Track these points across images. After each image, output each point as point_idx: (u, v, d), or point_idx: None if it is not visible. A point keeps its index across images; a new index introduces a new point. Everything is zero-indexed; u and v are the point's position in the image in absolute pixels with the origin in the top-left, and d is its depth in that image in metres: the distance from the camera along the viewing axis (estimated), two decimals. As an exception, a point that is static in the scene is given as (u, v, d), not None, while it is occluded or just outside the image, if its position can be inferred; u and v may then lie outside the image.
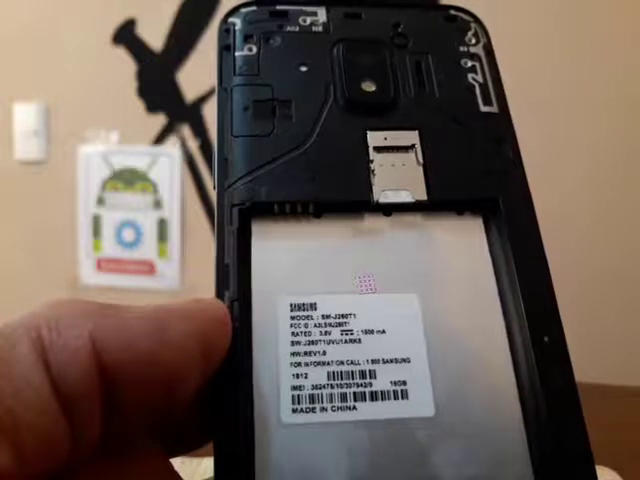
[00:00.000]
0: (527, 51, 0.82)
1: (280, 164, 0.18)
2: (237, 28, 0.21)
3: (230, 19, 0.21)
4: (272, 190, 0.18)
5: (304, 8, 0.21)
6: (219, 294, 0.17)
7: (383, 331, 0.17)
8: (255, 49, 0.20)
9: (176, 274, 1.00)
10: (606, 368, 0.75)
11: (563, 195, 0.83)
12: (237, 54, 0.20)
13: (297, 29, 0.21)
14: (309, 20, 0.21)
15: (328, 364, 0.16)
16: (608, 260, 0.85)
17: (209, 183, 0.98)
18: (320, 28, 0.21)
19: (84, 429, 0.13)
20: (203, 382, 0.15)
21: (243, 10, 0.21)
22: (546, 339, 0.16)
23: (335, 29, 0.21)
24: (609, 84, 0.84)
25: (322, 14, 0.21)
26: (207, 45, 0.95)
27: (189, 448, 0.18)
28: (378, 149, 0.19)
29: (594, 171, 0.85)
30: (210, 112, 0.96)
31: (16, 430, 0.12)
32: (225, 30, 0.21)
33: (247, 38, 0.20)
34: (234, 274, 0.17)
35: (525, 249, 0.18)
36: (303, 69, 0.20)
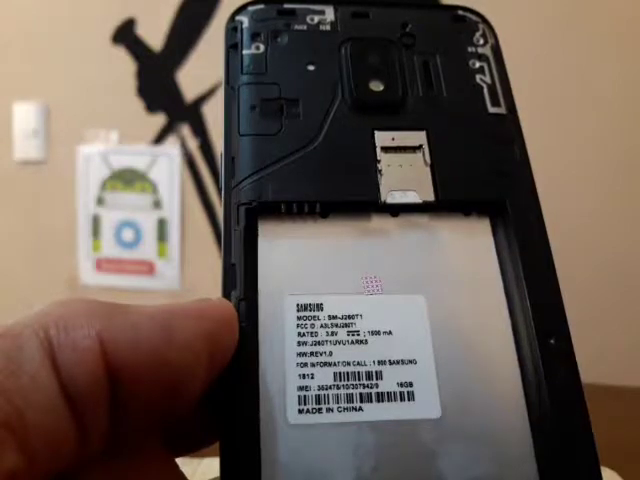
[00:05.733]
0: (529, 50, 0.82)
1: (287, 163, 0.18)
2: (244, 26, 0.21)
3: (237, 17, 0.21)
4: (279, 189, 0.18)
5: (312, 7, 0.21)
6: (226, 294, 0.17)
7: (390, 332, 0.17)
8: (263, 47, 0.20)
9: (176, 274, 1.00)
10: (607, 369, 0.75)
11: (570, 196, 0.83)
12: (244, 52, 0.20)
13: (305, 28, 0.21)
14: (317, 19, 0.21)
15: (334, 365, 0.16)
16: (613, 262, 0.85)
17: (209, 183, 0.98)
18: (328, 27, 0.21)
19: (91, 429, 0.13)
20: (210, 382, 0.15)
21: (250, 8, 0.21)
22: (552, 341, 0.16)
23: (343, 28, 0.21)
24: (612, 83, 0.84)
25: (330, 13, 0.21)
26: (207, 45, 0.95)
27: (195, 448, 0.18)
28: (386, 149, 0.19)
29: (600, 172, 0.85)
30: (210, 112, 0.96)
31: (24, 430, 0.12)
32: (232, 28, 0.21)
33: (254, 36, 0.20)
34: (241, 274, 0.17)
35: (532, 250, 0.18)
36: (311, 68, 0.20)
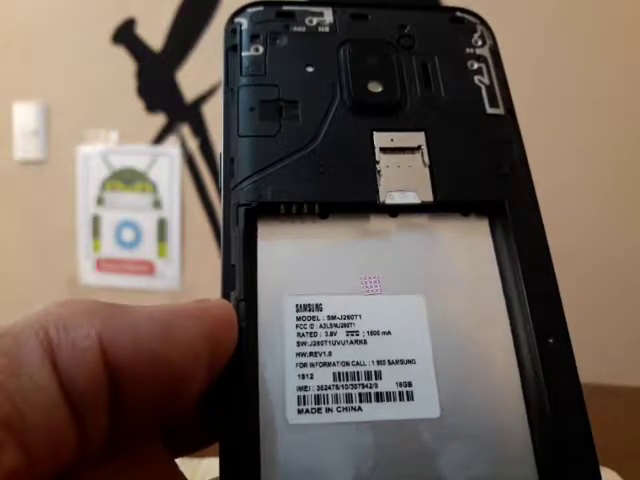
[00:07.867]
0: (527, 51, 0.82)
1: (286, 164, 0.18)
2: (244, 28, 0.21)
3: (236, 19, 0.21)
4: (278, 190, 0.18)
5: (310, 9, 0.21)
6: (225, 294, 0.17)
7: (389, 332, 0.17)
8: (262, 49, 0.20)
9: (176, 274, 1.00)
10: (607, 369, 0.75)
11: (568, 196, 0.83)
12: (244, 54, 0.20)
13: (304, 29, 0.21)
14: (315, 21, 0.21)
15: (334, 365, 0.16)
16: (613, 261, 0.85)
17: (209, 183, 0.98)
18: (327, 29, 0.21)
19: (91, 429, 0.13)
20: (209, 382, 0.15)
21: (249, 10, 0.21)
22: (551, 340, 0.16)
23: (341, 30, 0.21)
24: (612, 84, 0.84)
25: (328, 15, 0.21)
26: (207, 45, 0.95)
27: (195, 448, 0.18)
28: (384, 150, 0.19)
29: (600, 172, 0.85)
30: (210, 112, 0.96)
31: (24, 429, 0.12)
32: (231, 30, 0.21)
33: (254, 38, 0.20)
34: (240, 274, 0.17)
35: (530, 250, 0.18)
36: (310, 69, 0.20)
